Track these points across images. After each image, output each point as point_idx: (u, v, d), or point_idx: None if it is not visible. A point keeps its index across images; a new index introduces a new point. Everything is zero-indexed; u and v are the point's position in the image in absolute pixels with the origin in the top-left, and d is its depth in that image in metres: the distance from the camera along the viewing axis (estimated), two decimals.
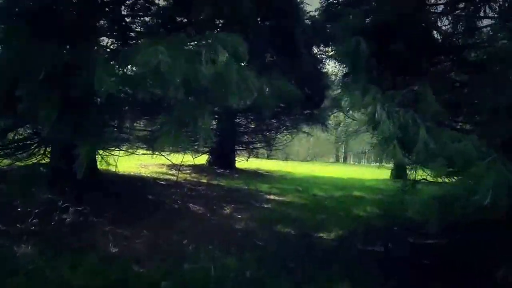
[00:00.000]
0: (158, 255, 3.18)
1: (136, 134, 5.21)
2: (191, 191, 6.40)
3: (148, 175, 7.80)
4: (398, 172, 12.06)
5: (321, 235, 4.38)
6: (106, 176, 5.69)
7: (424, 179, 3.85)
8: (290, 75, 5.10)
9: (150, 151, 5.39)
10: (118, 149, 5.42)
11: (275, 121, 11.02)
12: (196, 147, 10.47)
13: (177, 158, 6.62)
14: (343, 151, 28.90)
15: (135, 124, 4.88)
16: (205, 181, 8.55)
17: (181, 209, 5.02)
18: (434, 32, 3.84)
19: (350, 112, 11.90)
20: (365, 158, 29.49)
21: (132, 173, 7.50)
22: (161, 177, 7.71)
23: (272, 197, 6.72)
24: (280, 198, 6.61)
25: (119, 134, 4.81)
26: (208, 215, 4.95)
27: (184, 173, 8.88)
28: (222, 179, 8.96)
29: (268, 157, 26.23)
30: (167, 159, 6.24)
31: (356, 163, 27.50)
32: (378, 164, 25.41)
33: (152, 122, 4.94)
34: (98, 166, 5.19)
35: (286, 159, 24.82)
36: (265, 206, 5.80)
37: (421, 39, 3.39)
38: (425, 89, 2.67)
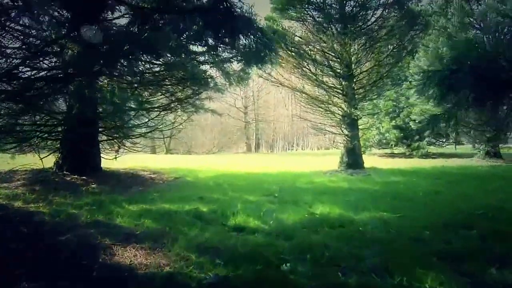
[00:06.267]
0: None
1: None
2: None
3: None
4: (352, 159, 9.23)
5: None
6: None
7: None
8: None
9: None
10: None
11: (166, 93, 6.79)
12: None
13: None
14: (254, 138, 26.04)
15: None
16: (19, 204, 4.43)
17: None
18: None
19: None
20: (277, 147, 27.35)
21: None
22: None
23: (128, 252, 2.78)
24: (144, 262, 2.65)
25: None
26: None
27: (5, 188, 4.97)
28: (60, 197, 4.88)
29: (168, 152, 21.77)
30: None
31: (270, 152, 25.13)
32: (297, 149, 23.58)
33: None
34: None
35: (188, 152, 20.70)
36: None
37: None
38: None
